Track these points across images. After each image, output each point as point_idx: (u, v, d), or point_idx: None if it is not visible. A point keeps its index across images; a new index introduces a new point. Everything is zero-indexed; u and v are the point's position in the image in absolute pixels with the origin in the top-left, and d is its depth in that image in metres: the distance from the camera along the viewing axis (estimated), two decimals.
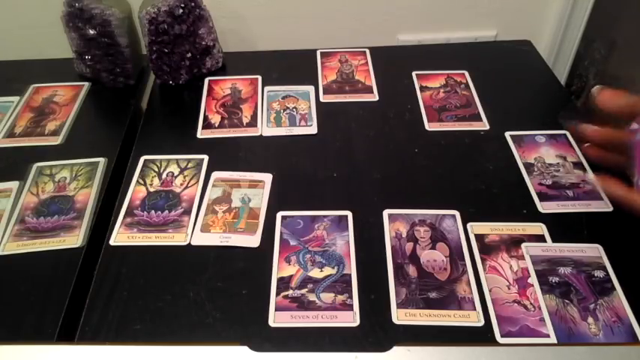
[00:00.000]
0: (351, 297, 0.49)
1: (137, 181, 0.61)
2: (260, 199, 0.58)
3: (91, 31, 0.70)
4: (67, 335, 0.46)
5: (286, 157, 0.64)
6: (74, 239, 0.54)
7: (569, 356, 0.39)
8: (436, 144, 0.65)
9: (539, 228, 0.54)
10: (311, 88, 0.74)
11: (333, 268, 0.51)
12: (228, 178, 0.61)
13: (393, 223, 0.55)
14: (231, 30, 0.86)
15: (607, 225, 0.55)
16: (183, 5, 0.70)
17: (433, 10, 0.88)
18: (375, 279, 0.50)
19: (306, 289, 0.49)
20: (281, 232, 0.55)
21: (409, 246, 0.53)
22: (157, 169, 0.62)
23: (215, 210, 0.57)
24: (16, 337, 0.46)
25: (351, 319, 0.47)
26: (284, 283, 0.50)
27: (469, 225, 0.55)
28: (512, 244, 0.53)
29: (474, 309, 0.48)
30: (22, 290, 0.50)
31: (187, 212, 0.57)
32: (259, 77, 0.76)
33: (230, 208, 0.57)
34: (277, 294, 0.49)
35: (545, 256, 0.51)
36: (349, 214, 0.56)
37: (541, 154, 0.63)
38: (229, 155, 0.64)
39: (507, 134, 0.66)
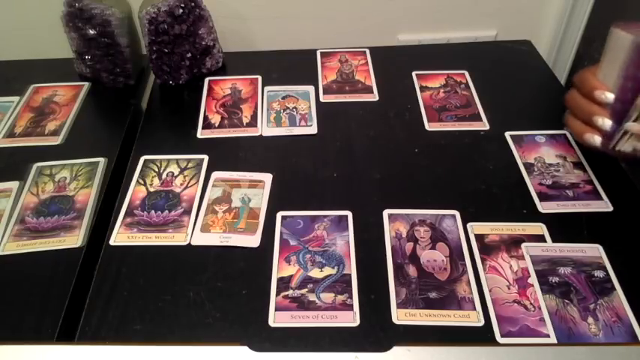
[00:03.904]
0: (351, 297, 0.49)
1: (137, 181, 0.61)
2: (260, 199, 0.58)
3: (91, 31, 0.70)
4: (67, 335, 0.46)
5: (286, 157, 0.64)
6: (74, 239, 0.54)
7: (569, 356, 0.39)
8: (436, 144, 0.65)
9: (539, 228, 0.54)
10: (311, 88, 0.74)
11: (333, 268, 0.51)
12: (228, 178, 0.61)
13: (393, 223, 0.55)
14: (231, 30, 0.86)
15: (607, 225, 0.55)
16: (183, 5, 0.70)
17: (433, 10, 0.88)
18: (375, 279, 0.50)
19: (306, 289, 0.49)
20: (281, 232, 0.55)
21: (409, 246, 0.53)
22: (157, 169, 0.62)
23: (215, 210, 0.57)
24: (16, 337, 0.46)
25: (351, 319, 0.47)
26: (284, 283, 0.50)
27: (469, 225, 0.55)
28: (512, 244, 0.53)
29: (474, 309, 0.48)
30: (22, 290, 0.50)
31: (187, 212, 0.57)
32: (259, 77, 0.76)
33: (230, 208, 0.57)
34: (277, 294, 0.49)
35: (545, 256, 0.51)
36: (349, 214, 0.56)
37: (541, 154, 0.63)
38: (229, 155, 0.64)
39: (507, 134, 0.66)
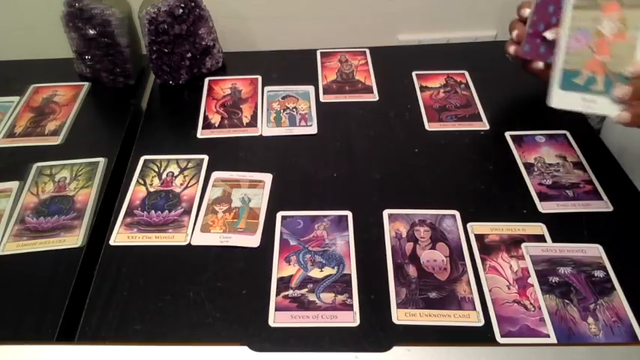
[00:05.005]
0: (351, 297, 0.49)
1: (137, 181, 0.61)
2: (260, 199, 0.58)
3: (91, 31, 0.70)
4: (67, 335, 0.46)
5: (286, 157, 0.64)
6: (74, 239, 0.54)
7: (569, 356, 0.39)
8: (436, 144, 0.65)
9: (539, 228, 0.54)
10: (311, 88, 0.74)
11: (333, 268, 0.51)
12: (228, 178, 0.61)
13: (393, 223, 0.55)
14: (231, 30, 0.86)
15: (607, 225, 0.55)
16: (183, 5, 0.70)
17: (433, 10, 0.88)
18: (375, 279, 0.50)
19: (306, 289, 0.49)
20: (281, 232, 0.55)
21: (409, 246, 0.53)
22: (157, 169, 0.62)
23: (215, 210, 0.57)
24: (16, 337, 0.46)
25: (351, 319, 0.47)
26: (284, 283, 0.50)
27: (469, 225, 0.55)
28: (512, 244, 0.53)
29: (474, 309, 0.48)
30: (22, 290, 0.50)
31: (187, 212, 0.57)
32: (259, 77, 0.76)
33: (230, 208, 0.57)
34: (277, 294, 0.49)
35: (545, 256, 0.51)
36: (349, 214, 0.56)
37: (541, 154, 0.63)
38: (229, 155, 0.64)
39: (507, 134, 0.66)
